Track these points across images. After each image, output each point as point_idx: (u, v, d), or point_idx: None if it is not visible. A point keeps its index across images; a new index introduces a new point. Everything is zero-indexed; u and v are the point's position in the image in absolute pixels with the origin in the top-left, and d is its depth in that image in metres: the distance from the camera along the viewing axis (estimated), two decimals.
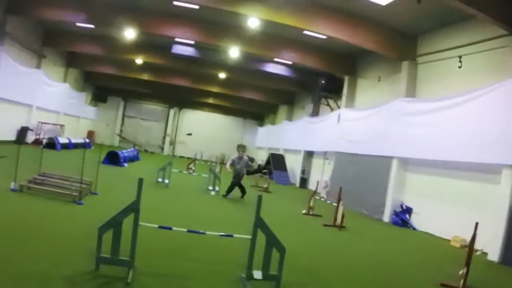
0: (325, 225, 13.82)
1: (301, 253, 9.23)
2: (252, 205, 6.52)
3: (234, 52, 24.18)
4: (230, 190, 17.44)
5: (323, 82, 26.65)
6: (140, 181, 6.30)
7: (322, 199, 21.95)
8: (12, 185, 11.54)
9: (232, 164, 17.44)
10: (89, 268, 6.31)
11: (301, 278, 7.59)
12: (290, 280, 7.06)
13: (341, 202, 13.75)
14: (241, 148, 17.70)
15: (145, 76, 38.06)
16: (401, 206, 17.51)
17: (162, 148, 49.16)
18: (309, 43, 22.39)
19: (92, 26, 25.17)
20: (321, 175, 26.38)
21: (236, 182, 17.47)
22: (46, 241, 7.48)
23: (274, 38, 22.44)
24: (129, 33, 23.85)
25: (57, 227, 8.54)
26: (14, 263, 6.19)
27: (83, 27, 26.47)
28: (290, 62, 26.28)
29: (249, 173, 20.53)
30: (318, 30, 18.47)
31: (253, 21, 18.69)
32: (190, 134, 49.09)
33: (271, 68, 28.36)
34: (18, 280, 5.62)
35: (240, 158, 17.37)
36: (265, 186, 21.79)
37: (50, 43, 30.71)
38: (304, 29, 18.74)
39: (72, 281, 5.86)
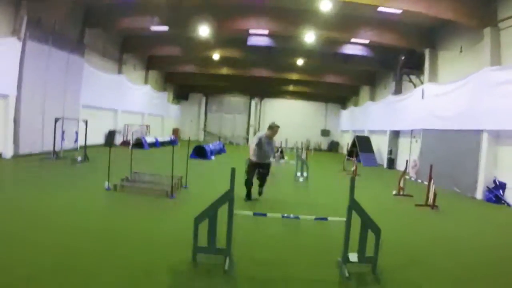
0: (417, 205, 13.43)
1: (395, 235, 9.01)
2: (341, 190, 6.53)
3: (309, 37, 23.97)
4: (249, 185, 12.24)
5: (403, 58, 25.69)
6: (233, 170, 6.37)
7: (412, 179, 21.43)
8: (106, 184, 12.20)
9: (259, 146, 11.94)
10: (187, 258, 6.54)
11: (397, 260, 7.38)
12: (386, 263, 6.87)
13: (432, 181, 13.33)
14: (274, 128, 12.07)
15: (224, 71, 38.43)
16: (494, 181, 16.43)
17: (247, 139, 49.52)
18: (385, 19, 21.76)
19: (166, 28, 25.87)
20: (409, 155, 25.66)
21: (257, 171, 12.36)
22: (145, 235, 7.86)
23: (349, 19, 21.99)
24: (204, 31, 24.31)
25: (153, 221, 8.92)
26: (118, 256, 6.66)
27: (158, 31, 27.24)
28: (367, 41, 25.71)
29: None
30: (392, 5, 17.89)
31: (326, 4, 18.51)
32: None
33: (349, 49, 27.77)
34: (124, 272, 6.02)
35: (270, 138, 12.19)
36: (353, 169, 21.60)
37: (128, 49, 32.02)
38: (378, 6, 18.28)
39: (173, 271, 6.15)
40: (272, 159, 12.48)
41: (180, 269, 6.23)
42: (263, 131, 12.45)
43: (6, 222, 8.14)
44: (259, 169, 12.21)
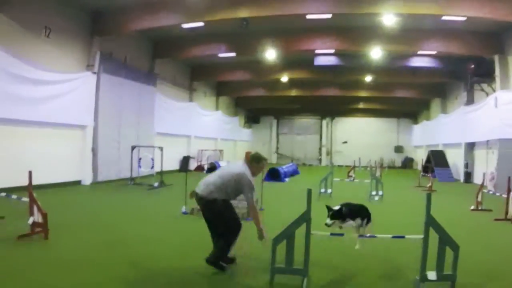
0: (496, 220, 12.81)
1: (474, 251, 8.61)
2: (417, 207, 6.33)
3: (375, 53, 23.72)
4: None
5: (472, 67, 24.91)
6: (309, 191, 6.35)
7: (490, 192, 20.57)
8: (183, 209, 12.41)
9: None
10: (264, 279, 6.54)
11: (477, 279, 7.03)
12: (465, 281, 6.62)
13: (511, 193, 12.71)
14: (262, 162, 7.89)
15: (293, 92, 38.59)
16: None
17: (320, 160, 49.30)
18: (450, 28, 21.14)
19: (234, 54, 26.27)
20: (485, 167, 24.74)
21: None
22: None
23: (414, 31, 21.51)
24: (271, 54, 24.55)
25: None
26: (196, 281, 6.72)
27: (226, 57, 27.74)
28: (434, 52, 25.07)
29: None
30: (456, 13, 17.29)
31: (389, 18, 18.28)
32: (345, 142, 48.69)
33: (416, 62, 27.09)
34: None
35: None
36: (428, 185, 20.97)
37: (198, 77, 32.99)
38: (442, 15, 17.80)
39: None
40: None
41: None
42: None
43: (84, 248, 8.45)
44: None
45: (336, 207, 7.89)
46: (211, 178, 7.10)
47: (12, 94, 15.44)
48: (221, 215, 7.07)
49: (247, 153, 46.29)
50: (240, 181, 7.02)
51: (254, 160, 7.59)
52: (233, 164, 7.82)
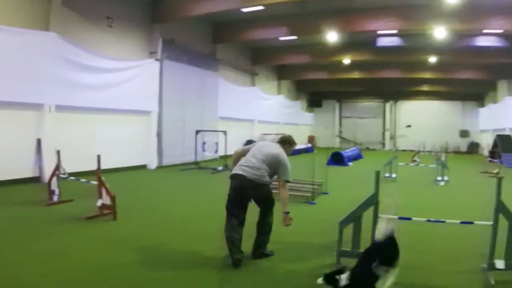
0: None
1: None
2: (484, 193, 6.08)
3: (439, 32, 22.91)
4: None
5: None
6: (377, 174, 6.30)
7: None
8: None
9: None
10: (330, 261, 6.54)
11: None
12: None
13: None
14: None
15: (355, 75, 37.93)
16: None
17: (383, 144, 48.40)
18: None
19: (294, 37, 26.11)
20: None
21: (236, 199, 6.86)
22: (287, 239, 7.92)
23: (479, 8, 20.27)
24: (332, 36, 24.20)
25: (295, 226, 8.91)
26: (260, 260, 6.81)
27: (287, 40, 27.59)
28: (501, 31, 23.99)
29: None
30: None
31: None
32: (409, 126, 47.56)
33: (482, 41, 25.89)
34: (265, 276, 6.19)
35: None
36: (495, 171, 20.23)
37: (259, 61, 32.97)
38: None
39: (316, 274, 5.95)
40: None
41: (323, 272, 6.09)
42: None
43: (149, 226, 8.79)
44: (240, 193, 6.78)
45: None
46: (255, 160, 6.73)
47: (80, 83, 16.10)
48: (267, 198, 6.96)
49: (310, 137, 46.38)
50: (282, 161, 6.91)
51: (288, 143, 7.50)
52: (266, 144, 7.25)
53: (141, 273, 6.07)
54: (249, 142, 29.45)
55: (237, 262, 6.33)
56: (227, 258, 6.48)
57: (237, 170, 6.70)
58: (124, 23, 18.88)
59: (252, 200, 6.86)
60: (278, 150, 7.02)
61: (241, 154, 7.13)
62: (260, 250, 6.90)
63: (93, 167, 9.32)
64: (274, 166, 6.83)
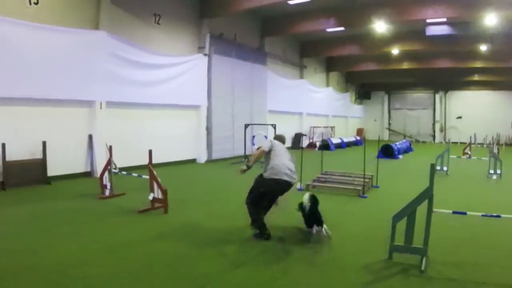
0: None
1: None
2: None
3: (490, 19, 22.18)
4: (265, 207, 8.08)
5: None
6: (432, 166, 6.22)
7: None
8: (299, 185, 12.45)
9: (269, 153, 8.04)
10: (382, 257, 6.51)
11: None
12: None
13: None
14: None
15: (405, 65, 37.12)
16: None
17: (433, 136, 47.36)
18: None
19: (342, 29, 25.90)
20: None
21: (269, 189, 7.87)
22: (340, 232, 7.97)
23: None
24: (380, 27, 23.82)
25: (347, 220, 9.05)
26: (315, 251, 6.94)
27: (335, 32, 27.38)
28: None
29: None
30: None
31: None
32: (460, 117, 46.50)
33: None
34: (318, 268, 6.21)
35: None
36: None
37: (307, 54, 32.81)
38: None
39: (368, 269, 6.14)
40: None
41: (375, 267, 6.23)
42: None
43: (199, 218, 8.96)
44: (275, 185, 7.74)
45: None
46: (290, 164, 7.99)
47: (130, 79, 16.44)
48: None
49: (359, 129, 46.01)
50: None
51: (282, 140, 8.86)
52: (284, 147, 8.43)
53: (193, 264, 6.20)
54: (297, 135, 29.54)
55: (268, 237, 7.46)
56: (254, 235, 7.67)
57: (282, 175, 7.68)
58: (172, 20, 19.07)
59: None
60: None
61: (266, 153, 8.06)
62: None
63: (144, 161, 9.52)
64: None
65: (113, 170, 11.05)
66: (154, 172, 9.33)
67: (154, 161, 9.60)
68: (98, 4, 15.23)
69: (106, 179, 11.08)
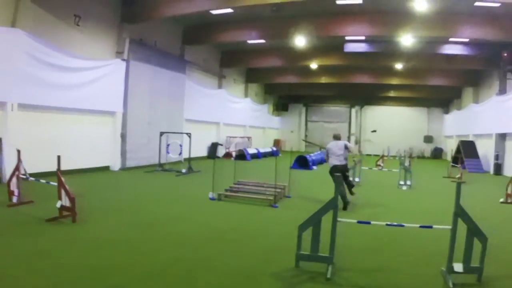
0: None
1: (502, 244, 8.40)
2: (446, 197, 6.24)
3: (407, 39, 23.16)
4: (343, 196, 11.74)
5: (505, 55, 24.15)
6: (338, 178, 6.60)
7: None
8: (211, 194, 12.59)
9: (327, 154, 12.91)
10: (290, 265, 6.63)
11: (504, 270, 6.92)
12: (493, 273, 6.51)
13: None
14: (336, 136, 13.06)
15: (323, 79, 38.15)
16: None
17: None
18: (484, 14, 20.19)
19: (263, 41, 26.28)
20: None
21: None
22: (249, 241, 8.10)
23: (447, 16, 20.64)
24: (300, 41, 24.31)
25: (258, 229, 9.11)
26: (222, 262, 6.87)
27: (256, 43, 27.73)
28: (467, 40, 24.28)
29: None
30: None
31: (421, 3, 17.79)
32: (374, 131, 48.11)
33: (449, 49, 26.20)
34: (228, 276, 6.28)
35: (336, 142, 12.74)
36: (457, 176, 20.58)
37: (227, 64, 33.03)
38: (475, 0, 17.35)
39: (276, 277, 6.25)
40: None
41: (283, 275, 6.37)
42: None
43: (115, 229, 8.67)
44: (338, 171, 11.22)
45: None
46: (339, 153, 12.45)
47: (43, 81, 15.70)
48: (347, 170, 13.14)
49: (277, 140, 46.56)
50: (347, 145, 12.65)
51: (338, 138, 12.94)
52: (333, 144, 12.65)
53: (103, 276, 6.02)
54: (214, 145, 29.61)
55: (347, 205, 11.77)
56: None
57: (332, 164, 12.48)
58: (92, 22, 18.57)
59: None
60: (343, 142, 12.70)
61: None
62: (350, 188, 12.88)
63: (56, 167, 9.20)
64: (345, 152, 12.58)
65: (22, 176, 10.64)
66: (63, 179, 8.99)
67: (66, 167, 9.35)
68: (18, 1, 14.59)
69: (14, 185, 10.66)
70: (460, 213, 6.11)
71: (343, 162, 12.41)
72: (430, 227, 7.03)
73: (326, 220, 6.44)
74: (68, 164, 9.89)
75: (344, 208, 11.38)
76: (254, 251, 7.50)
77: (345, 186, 12.33)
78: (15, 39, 14.32)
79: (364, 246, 8.07)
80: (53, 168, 9.17)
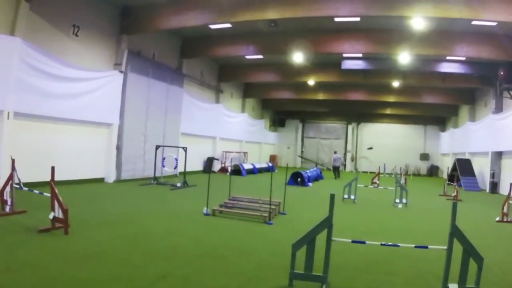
0: None
1: (498, 264, 8.33)
2: (442, 216, 6.18)
3: (404, 57, 23.33)
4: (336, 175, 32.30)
5: (502, 73, 24.25)
6: (332, 196, 6.33)
7: None
8: (205, 210, 12.48)
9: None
10: (283, 284, 6.50)
11: None
12: None
13: None
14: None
15: (320, 96, 38.35)
16: None
17: (344, 165, 48.84)
18: (480, 33, 20.44)
19: (261, 56, 26.38)
20: None
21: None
22: (241, 259, 7.93)
23: (443, 35, 20.89)
24: (298, 57, 24.43)
25: (251, 246, 8.97)
26: (212, 277, 6.77)
27: (254, 58, 27.81)
28: (463, 58, 24.42)
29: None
30: (488, 17, 16.48)
31: (418, 21, 17.88)
32: (371, 148, 48.18)
33: (446, 67, 26.43)
34: None
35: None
36: (453, 194, 20.53)
37: (225, 78, 33.17)
38: (472, 19, 17.30)
39: None
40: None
41: None
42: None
43: (105, 242, 8.53)
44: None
45: None
46: (338, 159, 33.13)
47: (40, 90, 15.67)
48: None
49: (273, 156, 46.54)
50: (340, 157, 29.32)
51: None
52: (336, 156, 29.66)
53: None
54: (210, 159, 29.58)
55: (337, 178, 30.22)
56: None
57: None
58: (91, 32, 18.62)
59: None
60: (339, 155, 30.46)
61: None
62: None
63: (49, 178, 9.11)
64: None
65: (15, 186, 10.56)
66: (56, 190, 8.90)
67: (60, 178, 9.29)
68: (17, 9, 14.58)
69: (7, 195, 10.57)
70: (456, 233, 6.05)
71: (339, 164, 31.36)
72: (426, 247, 6.97)
73: (320, 238, 6.35)
74: (63, 174, 9.82)
75: (335, 178, 25.23)
76: (246, 268, 7.36)
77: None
78: (13, 48, 14.30)
79: (358, 265, 7.97)
80: (47, 178, 9.08)
